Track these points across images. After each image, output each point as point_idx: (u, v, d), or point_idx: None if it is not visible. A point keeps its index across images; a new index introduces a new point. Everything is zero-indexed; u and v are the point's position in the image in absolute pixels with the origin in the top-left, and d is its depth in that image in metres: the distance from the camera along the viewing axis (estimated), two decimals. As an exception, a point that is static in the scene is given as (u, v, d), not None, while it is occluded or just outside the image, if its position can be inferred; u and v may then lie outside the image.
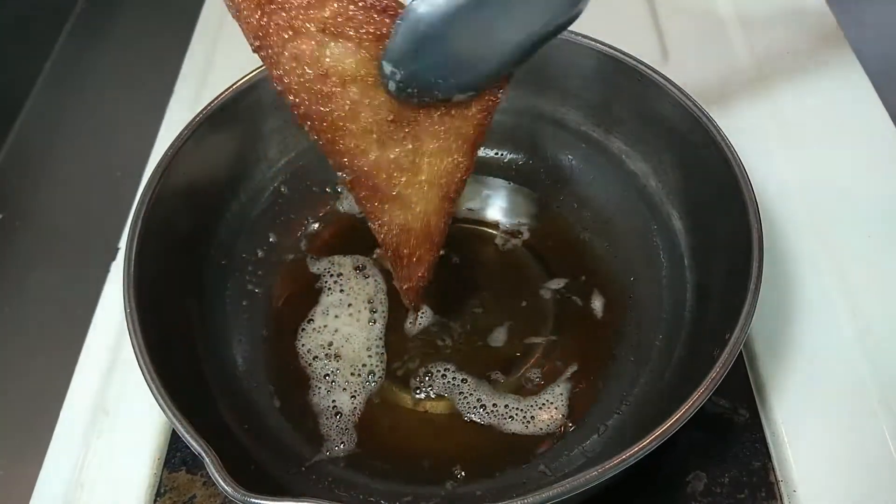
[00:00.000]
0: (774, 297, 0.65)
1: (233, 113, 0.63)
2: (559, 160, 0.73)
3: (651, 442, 0.44)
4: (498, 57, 0.45)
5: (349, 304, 0.67)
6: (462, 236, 0.71)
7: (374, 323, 0.66)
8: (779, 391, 0.61)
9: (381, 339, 0.65)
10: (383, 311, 0.66)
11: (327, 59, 0.45)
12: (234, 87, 0.62)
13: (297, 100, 0.46)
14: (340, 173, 0.50)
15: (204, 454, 0.44)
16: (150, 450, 0.61)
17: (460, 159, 0.50)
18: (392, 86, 0.46)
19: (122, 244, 0.71)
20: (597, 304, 0.66)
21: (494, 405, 0.61)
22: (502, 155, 0.75)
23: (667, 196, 0.66)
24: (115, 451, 0.61)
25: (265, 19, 0.44)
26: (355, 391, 0.62)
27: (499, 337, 0.65)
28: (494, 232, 0.72)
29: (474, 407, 0.61)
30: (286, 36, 0.45)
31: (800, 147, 0.77)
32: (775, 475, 0.58)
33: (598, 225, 0.71)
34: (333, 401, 0.61)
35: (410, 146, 0.49)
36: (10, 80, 0.92)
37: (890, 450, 0.58)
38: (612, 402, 0.60)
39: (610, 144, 0.69)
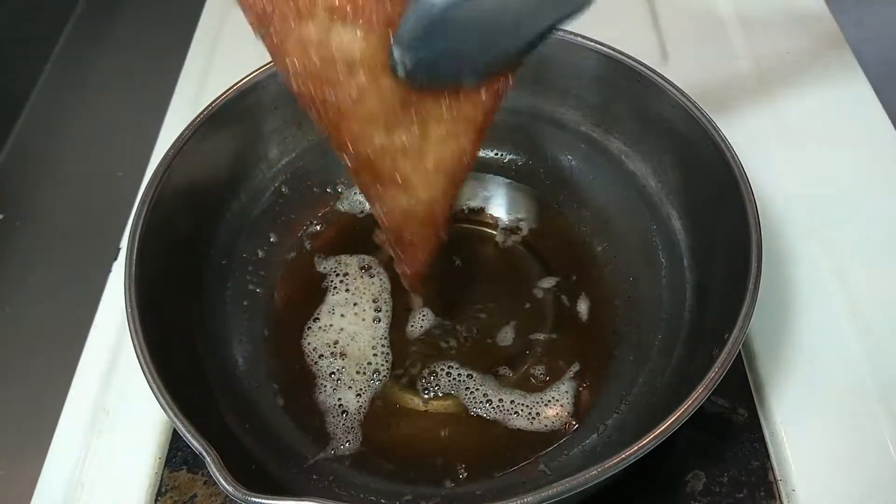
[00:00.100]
0: (774, 297, 0.65)
1: (233, 113, 0.63)
2: (559, 160, 0.73)
3: (650, 441, 0.44)
4: (510, 42, 0.44)
5: (355, 304, 0.67)
6: (462, 236, 0.71)
7: (379, 322, 0.66)
8: (778, 391, 0.61)
9: (385, 337, 0.65)
10: (388, 311, 0.66)
11: (335, 45, 0.44)
12: (234, 87, 0.62)
13: (302, 86, 0.45)
14: (343, 159, 0.49)
15: (205, 453, 0.44)
16: (151, 449, 0.61)
17: (466, 145, 0.49)
18: (402, 71, 0.44)
19: (123, 244, 0.71)
20: (582, 306, 0.66)
21: (500, 400, 0.61)
22: (502, 155, 0.75)
23: (666, 196, 0.66)
24: (116, 451, 0.61)
25: (270, 6, 0.43)
26: (361, 389, 0.62)
27: (503, 335, 0.65)
28: (494, 232, 0.72)
29: (480, 402, 0.61)
30: (292, 21, 0.43)
31: (799, 147, 0.77)
32: (774, 475, 0.58)
33: (598, 225, 0.71)
34: (339, 399, 0.61)
35: (417, 131, 0.47)
36: (10, 80, 0.92)
37: (889, 450, 0.58)
38: (612, 402, 0.60)
39: (609, 144, 0.69)
